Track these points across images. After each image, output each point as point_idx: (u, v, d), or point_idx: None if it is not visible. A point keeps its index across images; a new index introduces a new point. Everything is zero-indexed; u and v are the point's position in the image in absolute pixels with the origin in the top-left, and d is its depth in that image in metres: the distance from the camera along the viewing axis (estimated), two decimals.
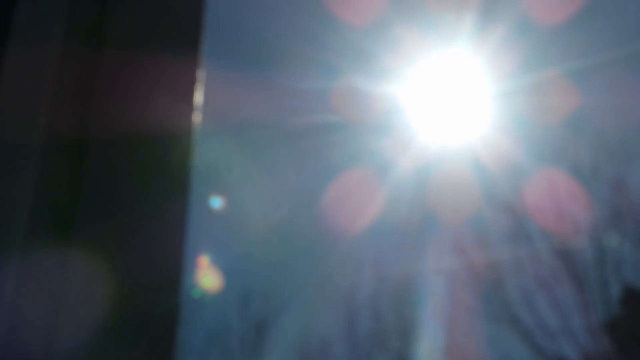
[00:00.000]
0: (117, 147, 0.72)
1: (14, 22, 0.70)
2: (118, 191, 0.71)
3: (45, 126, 0.70)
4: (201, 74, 0.79)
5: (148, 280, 0.67)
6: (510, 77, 3.54)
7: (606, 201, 4.80)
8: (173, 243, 0.69)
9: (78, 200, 0.69)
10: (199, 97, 0.77)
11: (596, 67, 3.55)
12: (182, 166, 0.73)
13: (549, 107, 3.68)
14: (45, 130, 0.70)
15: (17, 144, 0.68)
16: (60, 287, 0.64)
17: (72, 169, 0.70)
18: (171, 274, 0.68)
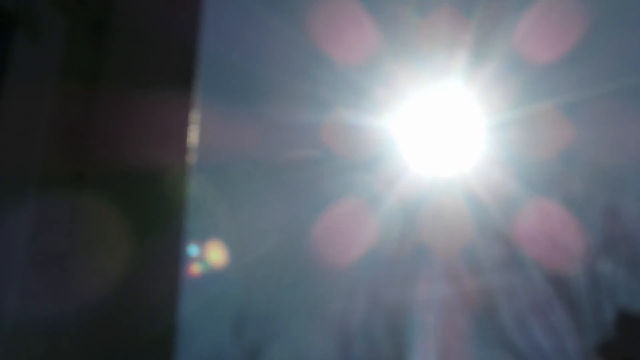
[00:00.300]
0: (112, 183, 0.78)
1: (11, 61, 0.76)
2: (113, 226, 0.77)
3: (41, 163, 0.77)
4: (195, 111, 0.85)
5: (144, 314, 0.73)
6: (503, 110, 3.57)
7: (599, 229, 4.74)
8: (169, 277, 0.75)
9: (73, 235, 0.76)
10: (192, 133, 0.83)
11: (588, 100, 3.60)
12: (176, 201, 0.79)
13: (542, 139, 3.70)
14: (41, 167, 0.77)
15: (15, 181, 0.75)
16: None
17: (68, 205, 0.77)
18: (167, 307, 0.74)
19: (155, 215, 0.77)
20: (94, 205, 0.74)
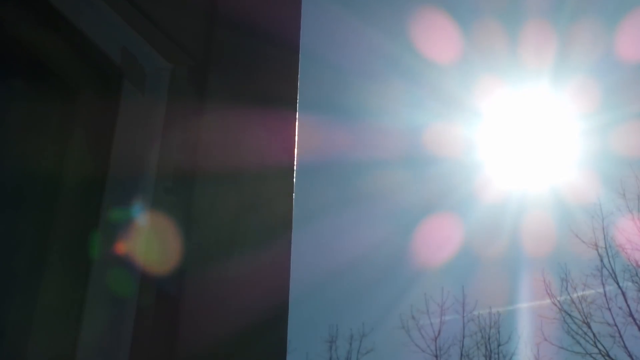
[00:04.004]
0: (224, 184, 0.80)
1: (121, 105, 0.80)
2: (224, 225, 0.79)
3: (156, 164, 0.79)
4: (296, 119, 0.86)
5: (256, 308, 0.75)
6: (593, 114, 3.63)
7: None
8: (278, 274, 0.77)
9: (188, 229, 0.78)
10: (295, 139, 0.84)
11: None
12: (284, 202, 0.81)
13: (633, 144, 3.76)
14: (156, 168, 0.79)
15: (132, 179, 0.77)
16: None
17: (182, 204, 0.79)
18: (278, 302, 0.76)
19: (264, 212, 0.78)
20: (205, 205, 0.76)
